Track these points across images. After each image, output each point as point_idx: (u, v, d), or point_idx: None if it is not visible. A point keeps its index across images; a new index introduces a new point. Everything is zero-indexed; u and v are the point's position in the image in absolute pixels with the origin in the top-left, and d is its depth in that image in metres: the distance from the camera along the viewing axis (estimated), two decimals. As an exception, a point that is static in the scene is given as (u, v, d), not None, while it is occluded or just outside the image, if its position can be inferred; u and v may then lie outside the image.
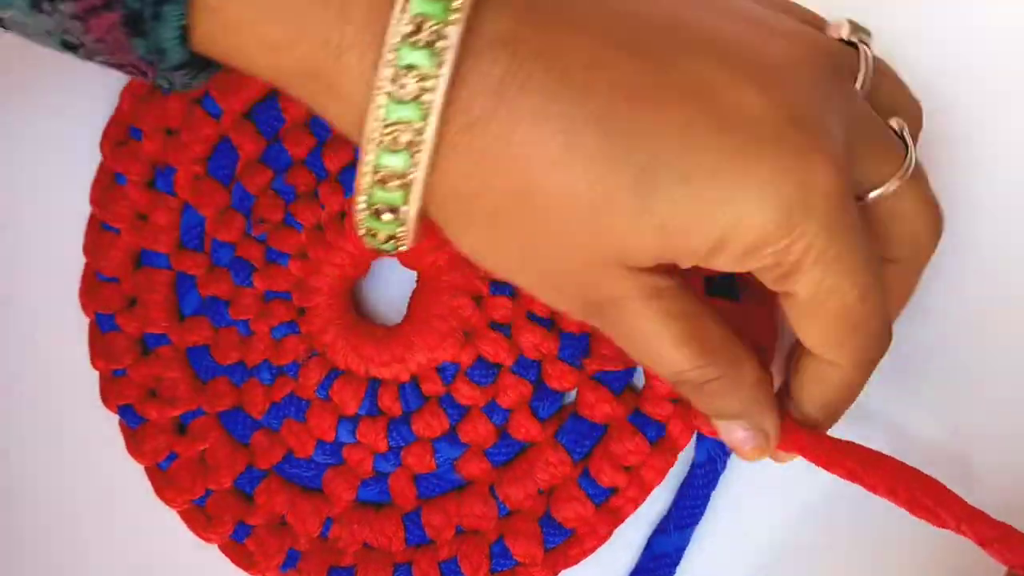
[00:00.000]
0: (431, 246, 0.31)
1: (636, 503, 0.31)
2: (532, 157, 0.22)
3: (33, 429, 0.34)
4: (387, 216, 0.23)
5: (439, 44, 0.21)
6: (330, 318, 0.32)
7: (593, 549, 0.31)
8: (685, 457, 0.31)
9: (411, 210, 0.23)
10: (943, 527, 0.26)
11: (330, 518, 0.32)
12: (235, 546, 0.32)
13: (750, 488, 0.31)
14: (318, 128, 0.32)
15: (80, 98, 0.33)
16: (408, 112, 0.21)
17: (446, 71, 0.21)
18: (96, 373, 0.33)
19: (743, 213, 0.22)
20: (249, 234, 0.32)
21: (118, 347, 0.33)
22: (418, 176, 0.22)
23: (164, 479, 0.33)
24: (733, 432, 0.27)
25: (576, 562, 0.31)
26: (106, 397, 0.33)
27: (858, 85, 0.25)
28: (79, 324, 0.33)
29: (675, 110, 0.22)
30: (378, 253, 0.28)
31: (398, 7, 0.21)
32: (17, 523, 0.34)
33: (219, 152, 0.33)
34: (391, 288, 0.33)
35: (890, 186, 0.25)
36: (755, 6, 0.25)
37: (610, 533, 0.31)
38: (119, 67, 0.24)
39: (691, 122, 0.22)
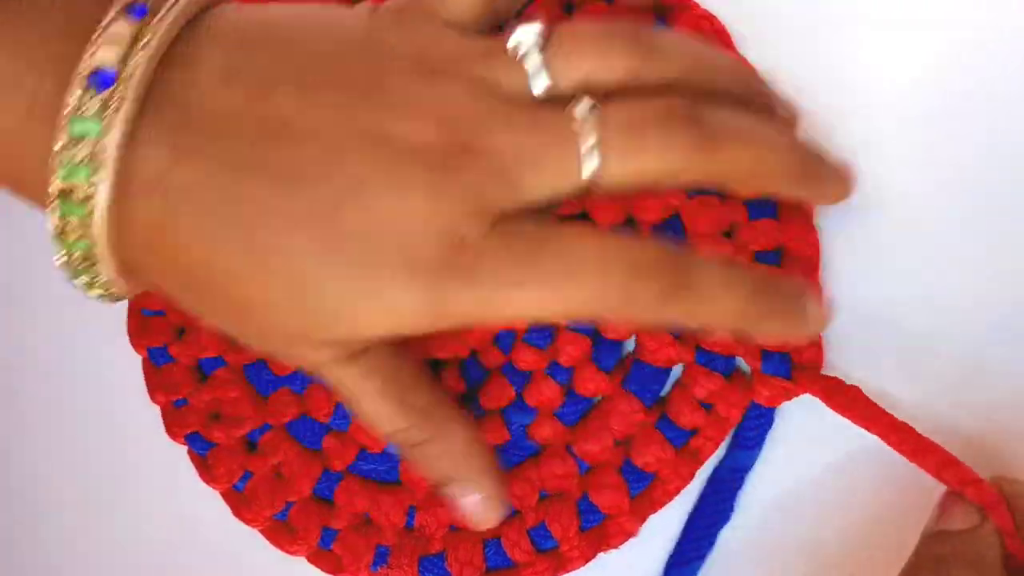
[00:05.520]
0: None
1: (716, 442, 0.31)
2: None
3: (101, 461, 0.35)
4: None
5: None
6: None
7: (677, 491, 0.31)
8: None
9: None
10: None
11: (413, 506, 0.32)
12: (323, 553, 0.32)
13: (778, 488, 0.31)
14: None
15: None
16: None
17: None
18: (157, 407, 0.33)
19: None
20: None
21: (175, 378, 0.33)
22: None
23: (242, 500, 0.33)
24: (463, 500, 0.28)
25: (661, 506, 0.31)
26: (171, 429, 0.33)
27: None
28: (133, 360, 0.34)
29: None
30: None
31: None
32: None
33: None
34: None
35: None
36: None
37: (692, 475, 0.31)
38: None
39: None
